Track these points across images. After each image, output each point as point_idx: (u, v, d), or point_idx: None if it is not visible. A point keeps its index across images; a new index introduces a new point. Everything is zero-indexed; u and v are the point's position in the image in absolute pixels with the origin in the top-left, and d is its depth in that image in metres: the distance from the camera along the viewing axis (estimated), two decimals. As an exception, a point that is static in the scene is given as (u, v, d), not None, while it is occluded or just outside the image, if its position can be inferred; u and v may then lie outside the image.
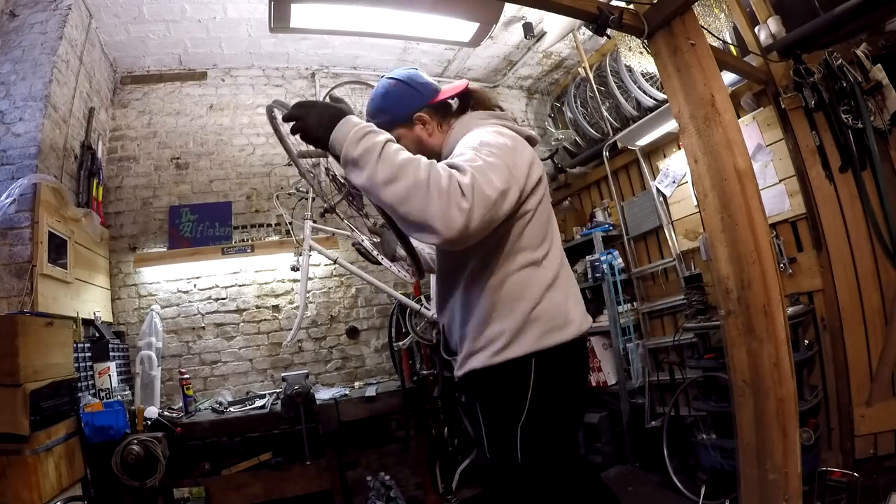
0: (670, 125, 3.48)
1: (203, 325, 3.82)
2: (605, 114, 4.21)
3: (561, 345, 1.30)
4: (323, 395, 3.43)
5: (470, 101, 1.48)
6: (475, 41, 3.94)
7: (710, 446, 2.90)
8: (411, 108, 1.41)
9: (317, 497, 3.16)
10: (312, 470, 3.13)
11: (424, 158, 1.08)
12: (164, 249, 3.79)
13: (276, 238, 3.97)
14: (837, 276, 2.85)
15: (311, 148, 1.24)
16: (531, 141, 1.41)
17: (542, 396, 1.28)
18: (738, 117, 2.44)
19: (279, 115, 1.32)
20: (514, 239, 1.29)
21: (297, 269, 2.49)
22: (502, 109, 1.49)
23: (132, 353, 3.48)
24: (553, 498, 1.36)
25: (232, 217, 3.97)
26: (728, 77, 2.90)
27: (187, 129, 4.14)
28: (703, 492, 2.83)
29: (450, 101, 1.46)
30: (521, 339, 1.27)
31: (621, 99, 4.06)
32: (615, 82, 4.09)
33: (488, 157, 1.14)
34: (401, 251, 1.60)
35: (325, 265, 4.13)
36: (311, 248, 2.59)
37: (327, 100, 1.30)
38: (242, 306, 3.92)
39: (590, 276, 4.08)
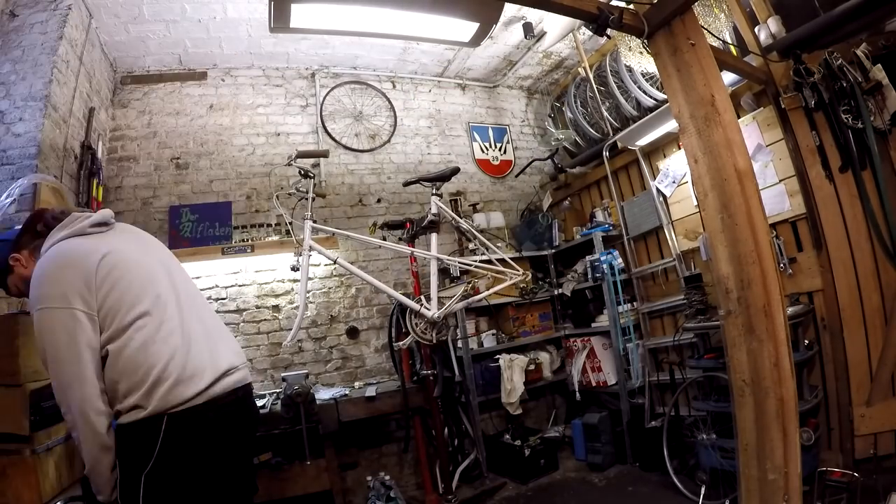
0: (670, 125, 3.48)
1: (203, 325, 3.81)
2: (605, 114, 4.22)
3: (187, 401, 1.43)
4: (323, 394, 3.43)
5: (47, 220, 1.63)
6: (475, 41, 3.95)
7: (710, 446, 2.90)
8: (3, 258, 1.65)
9: (317, 497, 3.16)
10: (312, 470, 3.13)
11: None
12: (164, 249, 3.79)
13: (276, 238, 3.97)
14: (837, 276, 2.85)
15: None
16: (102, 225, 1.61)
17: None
18: (738, 117, 2.44)
19: None
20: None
21: (297, 269, 2.49)
22: (69, 213, 1.64)
23: (132, 353, 3.47)
24: None
25: (232, 217, 3.97)
26: (728, 77, 2.91)
27: (187, 130, 4.13)
28: (703, 492, 2.84)
29: (28, 232, 1.66)
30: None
31: (621, 99, 4.06)
32: (615, 82, 4.10)
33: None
34: None
35: (325, 265, 4.14)
36: (311, 249, 2.59)
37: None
38: (242, 306, 3.92)
39: (590, 276, 4.09)
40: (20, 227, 1.69)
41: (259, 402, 3.30)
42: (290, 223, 2.61)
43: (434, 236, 2.88)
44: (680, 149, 3.62)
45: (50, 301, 1.40)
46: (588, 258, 4.13)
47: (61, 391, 1.38)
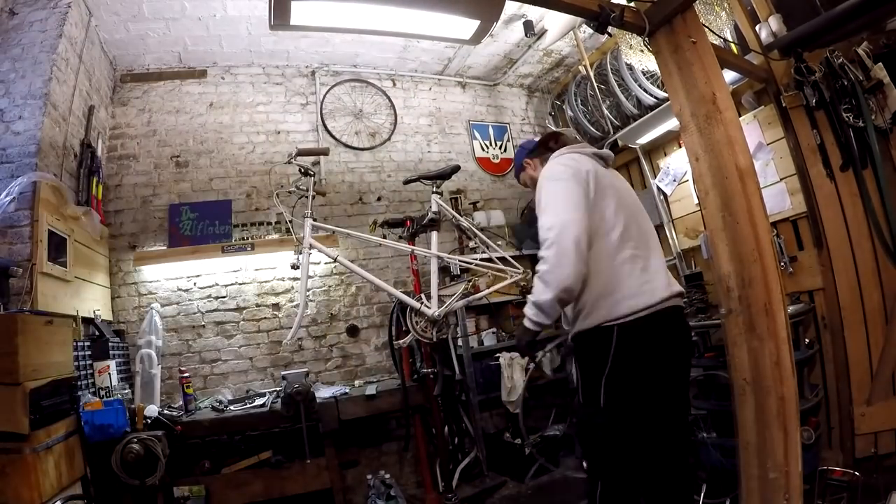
0: (671, 123, 3.47)
1: (203, 323, 3.81)
2: (606, 112, 4.21)
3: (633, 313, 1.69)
4: (323, 393, 3.42)
5: (556, 140, 2.09)
6: (476, 39, 3.92)
7: (711, 445, 2.90)
8: (521, 159, 2.23)
9: (317, 495, 3.16)
10: (313, 468, 3.13)
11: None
12: (164, 248, 3.78)
13: (276, 236, 3.96)
14: (838, 274, 2.85)
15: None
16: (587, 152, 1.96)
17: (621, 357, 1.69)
18: (739, 115, 2.43)
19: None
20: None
21: (298, 268, 2.49)
22: (577, 140, 2.15)
23: (132, 351, 3.47)
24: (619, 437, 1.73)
25: (232, 215, 3.96)
26: (729, 75, 2.90)
27: (187, 128, 4.13)
28: (703, 490, 2.83)
29: (541, 145, 2.14)
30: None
31: (622, 97, 4.05)
32: (616, 80, 4.08)
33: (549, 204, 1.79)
34: None
35: (326, 263, 4.13)
36: (311, 247, 2.59)
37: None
38: (242, 304, 3.91)
39: (590, 274, 4.08)
40: (538, 139, 2.19)
41: (259, 401, 3.30)
42: (291, 221, 2.61)
43: (434, 234, 2.88)
44: (681, 147, 3.61)
45: (557, 177, 1.82)
46: (588, 256, 4.12)
47: (557, 228, 1.68)
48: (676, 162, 3.70)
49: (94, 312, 3.19)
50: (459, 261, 3.12)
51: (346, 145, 4.52)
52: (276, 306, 3.98)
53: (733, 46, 3.13)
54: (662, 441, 1.76)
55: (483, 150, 5.14)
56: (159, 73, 4.16)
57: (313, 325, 4.06)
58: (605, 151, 2.00)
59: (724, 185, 2.02)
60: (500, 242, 4.03)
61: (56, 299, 2.75)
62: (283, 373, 3.39)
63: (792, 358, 1.90)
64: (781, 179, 3.06)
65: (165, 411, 3.03)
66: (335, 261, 2.68)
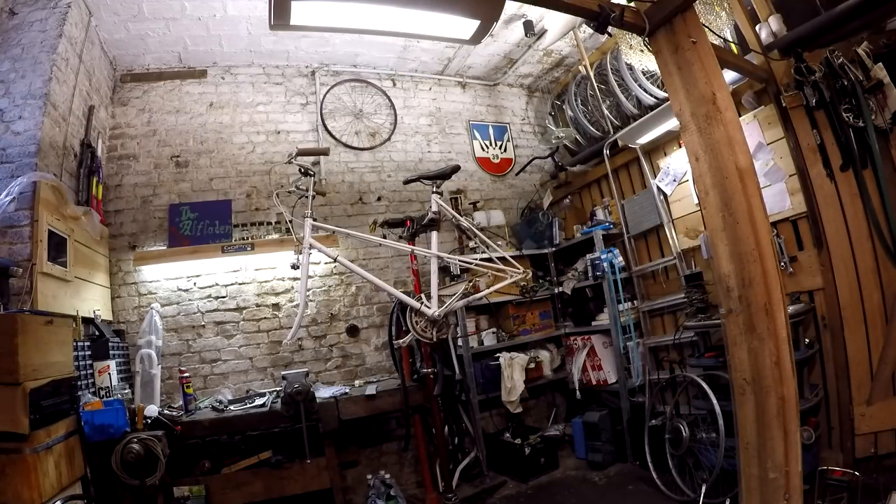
0: (671, 123, 3.47)
1: (203, 323, 3.81)
2: (606, 112, 4.21)
3: None
4: (323, 393, 3.42)
5: None
6: (476, 39, 3.92)
7: (711, 445, 2.90)
8: None
9: (317, 495, 3.16)
10: (312, 468, 3.13)
11: None
12: (164, 248, 3.78)
13: (276, 236, 3.96)
14: (838, 274, 2.85)
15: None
16: None
17: None
18: (739, 115, 2.43)
19: None
20: None
21: (298, 268, 2.49)
22: None
23: (132, 351, 3.48)
24: None
25: (232, 215, 3.96)
26: (729, 75, 2.90)
27: (187, 128, 4.13)
28: (703, 490, 2.83)
29: None
30: None
31: (622, 97, 4.05)
32: (616, 80, 4.09)
33: None
34: None
35: (326, 263, 4.13)
36: (311, 247, 2.59)
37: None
38: (242, 304, 3.92)
39: (590, 274, 4.09)
40: None
41: (259, 401, 3.30)
42: (291, 221, 2.61)
43: (434, 234, 2.88)
44: (681, 147, 3.61)
45: None
46: (588, 256, 4.12)
47: None
48: (676, 162, 3.69)
49: (94, 312, 3.19)
50: (459, 261, 3.12)
51: (346, 145, 4.52)
52: (276, 306, 3.98)
53: (733, 46, 3.13)
54: None
55: (483, 150, 5.14)
56: (159, 73, 4.16)
57: (313, 325, 4.06)
58: None
59: (724, 185, 2.02)
60: (500, 242, 4.04)
61: (56, 299, 2.75)
62: (283, 373, 3.39)
63: (792, 358, 1.90)
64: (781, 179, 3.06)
65: (165, 411, 3.03)
66: (335, 261, 2.68)
